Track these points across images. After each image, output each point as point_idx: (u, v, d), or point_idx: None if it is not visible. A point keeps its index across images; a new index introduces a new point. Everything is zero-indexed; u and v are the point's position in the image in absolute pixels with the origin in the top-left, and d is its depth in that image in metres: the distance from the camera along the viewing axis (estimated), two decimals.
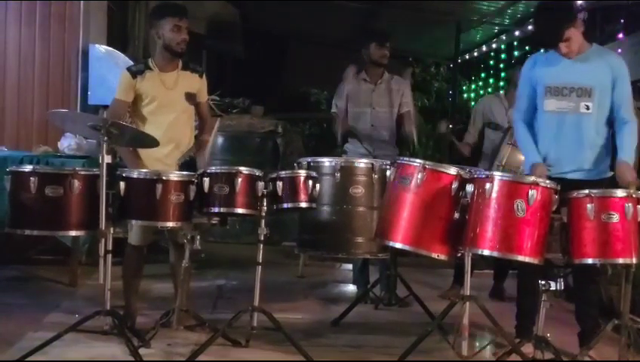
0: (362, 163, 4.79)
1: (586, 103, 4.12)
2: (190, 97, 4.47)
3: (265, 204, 4.05)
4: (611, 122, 4.20)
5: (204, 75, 4.58)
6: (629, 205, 3.76)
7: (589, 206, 3.77)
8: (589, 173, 4.19)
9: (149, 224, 4.10)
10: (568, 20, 4.07)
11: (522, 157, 5.22)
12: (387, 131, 5.64)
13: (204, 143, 4.60)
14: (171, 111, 4.41)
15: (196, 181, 3.99)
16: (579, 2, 7.28)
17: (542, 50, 4.52)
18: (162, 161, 4.33)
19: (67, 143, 6.10)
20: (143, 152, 4.37)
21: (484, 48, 11.19)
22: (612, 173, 4.25)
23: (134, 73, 4.41)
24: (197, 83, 4.52)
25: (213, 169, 4.07)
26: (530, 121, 4.33)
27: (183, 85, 4.44)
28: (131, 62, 6.59)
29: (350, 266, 6.36)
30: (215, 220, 4.26)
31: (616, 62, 4.19)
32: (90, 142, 5.95)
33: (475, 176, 3.95)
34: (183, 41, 4.38)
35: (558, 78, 4.16)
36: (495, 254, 3.87)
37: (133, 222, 4.06)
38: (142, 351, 3.87)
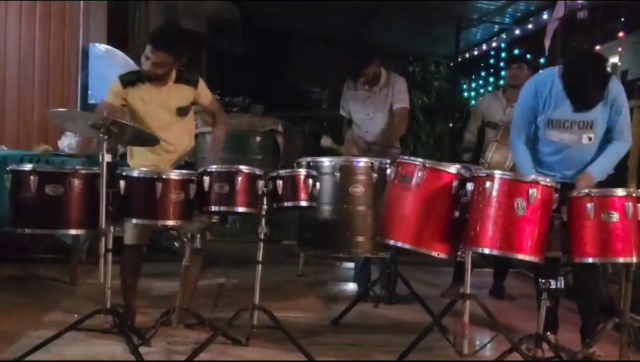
0: (362, 162, 4.78)
1: (589, 135, 4.11)
2: (182, 111, 4.42)
3: (265, 202, 4.05)
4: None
5: (199, 83, 4.48)
6: (629, 204, 3.75)
7: (588, 205, 3.77)
8: None
9: (150, 223, 4.09)
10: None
11: (509, 154, 5.23)
12: (382, 136, 5.66)
13: (217, 139, 4.64)
14: (160, 126, 4.35)
15: (196, 180, 3.99)
16: (579, 1, 7.29)
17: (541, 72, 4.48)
18: (156, 166, 4.31)
19: (67, 142, 6.11)
20: (139, 157, 4.37)
21: (484, 47, 11.19)
22: (612, 171, 4.26)
23: (125, 83, 4.36)
24: (190, 93, 4.44)
25: (213, 168, 4.06)
26: (529, 135, 4.31)
27: (175, 100, 4.38)
28: (131, 62, 6.62)
29: (350, 265, 6.37)
30: (215, 219, 4.26)
31: (614, 88, 4.09)
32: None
33: (475, 174, 3.95)
34: (147, 71, 4.29)
35: (560, 113, 4.11)
36: (495, 252, 3.86)
37: (134, 220, 4.04)
38: (142, 349, 3.88)
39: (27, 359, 3.73)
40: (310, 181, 4.17)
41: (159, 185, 3.86)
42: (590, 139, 4.12)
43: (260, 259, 4.09)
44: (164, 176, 3.90)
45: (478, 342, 4.42)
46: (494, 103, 5.93)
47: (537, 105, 4.18)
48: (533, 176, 3.91)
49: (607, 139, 4.17)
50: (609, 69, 4.10)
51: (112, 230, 3.87)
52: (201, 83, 4.52)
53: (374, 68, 5.61)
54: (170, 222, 3.99)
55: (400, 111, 5.65)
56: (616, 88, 4.11)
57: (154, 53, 4.25)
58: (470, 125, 6.10)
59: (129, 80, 4.38)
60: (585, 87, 3.93)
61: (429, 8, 9.44)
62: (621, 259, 3.81)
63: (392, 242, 4.07)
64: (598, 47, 7.90)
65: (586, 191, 3.82)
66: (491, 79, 11.66)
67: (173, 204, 3.91)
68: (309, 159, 4.76)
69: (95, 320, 3.93)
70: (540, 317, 3.89)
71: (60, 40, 6.85)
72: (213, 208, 4.02)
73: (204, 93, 4.55)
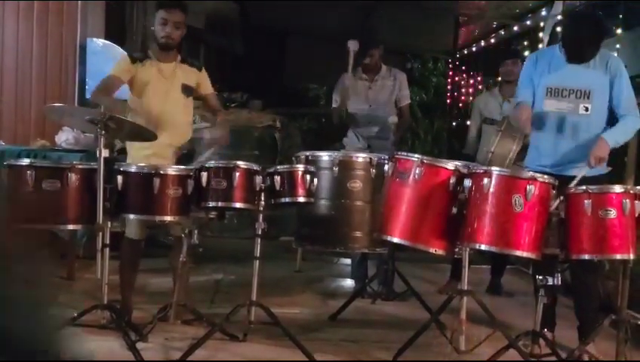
0: (360, 157, 4.78)
1: (585, 105, 4.16)
2: (187, 90, 4.46)
3: (263, 198, 4.05)
4: (610, 121, 4.22)
5: (203, 69, 4.58)
6: (627, 201, 3.75)
7: (586, 202, 3.77)
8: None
9: (147, 218, 4.09)
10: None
11: (512, 146, 5.22)
12: (383, 126, 5.66)
13: (223, 139, 4.68)
14: (165, 101, 4.38)
15: (194, 175, 3.99)
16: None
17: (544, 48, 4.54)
18: (156, 153, 4.30)
19: (65, 137, 6.10)
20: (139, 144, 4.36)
21: (482, 43, 11.18)
22: (610, 168, 4.26)
23: (134, 59, 4.43)
24: (195, 76, 4.51)
25: (211, 163, 4.06)
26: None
27: (180, 77, 4.43)
28: None
29: (347, 261, 6.36)
30: (213, 214, 4.25)
31: (614, 63, 4.20)
32: (87, 136, 5.95)
33: (473, 171, 3.95)
34: (166, 35, 4.36)
35: (558, 79, 4.19)
36: (493, 249, 3.87)
37: (131, 216, 4.05)
38: (139, 345, 3.88)
39: None
40: (308, 177, 4.16)
41: (157, 181, 3.86)
42: (587, 109, 4.15)
43: (258, 255, 4.08)
44: (161, 172, 3.90)
45: (475, 339, 4.42)
46: (491, 100, 5.94)
47: (534, 74, 4.29)
48: (530, 173, 3.91)
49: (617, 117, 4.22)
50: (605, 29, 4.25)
51: (109, 225, 3.86)
52: (204, 72, 4.59)
53: (379, 53, 5.62)
54: (168, 218, 3.99)
55: (406, 108, 5.80)
56: (615, 62, 4.22)
57: (170, 13, 4.35)
58: (471, 125, 6.11)
59: (138, 57, 4.46)
60: (579, 36, 4.08)
61: (428, 5, 9.44)
62: (618, 256, 3.81)
63: (389, 238, 4.07)
64: None
65: (584, 188, 3.82)
66: (489, 75, 11.64)
67: (170, 200, 3.91)
68: (307, 153, 4.74)
69: (92, 315, 3.93)
70: (537, 314, 3.89)
71: (58, 35, 6.84)
72: (211, 204, 4.02)
73: (206, 82, 4.60)
